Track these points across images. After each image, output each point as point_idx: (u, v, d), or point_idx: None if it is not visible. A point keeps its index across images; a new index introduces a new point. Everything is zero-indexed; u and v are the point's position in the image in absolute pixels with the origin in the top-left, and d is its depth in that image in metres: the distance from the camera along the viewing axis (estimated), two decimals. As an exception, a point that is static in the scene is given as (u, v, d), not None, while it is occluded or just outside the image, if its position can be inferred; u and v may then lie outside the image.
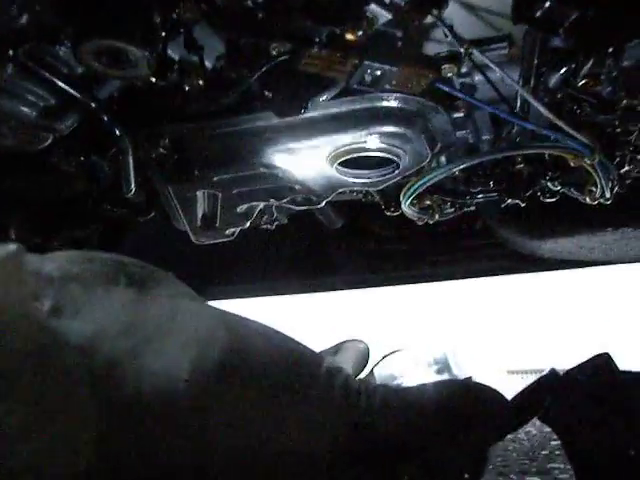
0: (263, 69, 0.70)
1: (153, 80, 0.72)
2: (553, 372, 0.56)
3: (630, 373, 0.54)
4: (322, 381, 0.45)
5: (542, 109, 0.73)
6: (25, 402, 0.34)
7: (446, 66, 0.73)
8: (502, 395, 0.53)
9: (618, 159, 0.90)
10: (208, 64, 0.75)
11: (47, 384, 0.35)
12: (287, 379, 0.43)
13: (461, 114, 0.80)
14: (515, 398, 0.57)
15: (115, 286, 0.40)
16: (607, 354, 0.55)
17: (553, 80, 0.75)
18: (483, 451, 0.53)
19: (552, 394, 0.54)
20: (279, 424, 0.42)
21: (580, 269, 1.67)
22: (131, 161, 0.90)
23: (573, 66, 0.73)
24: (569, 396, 0.53)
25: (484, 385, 0.53)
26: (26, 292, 0.37)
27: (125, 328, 0.39)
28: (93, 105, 0.74)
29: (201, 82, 0.76)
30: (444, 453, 0.51)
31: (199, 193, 0.97)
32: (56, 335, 0.36)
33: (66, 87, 0.69)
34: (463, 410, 0.51)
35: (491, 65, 0.72)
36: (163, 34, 0.66)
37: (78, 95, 0.70)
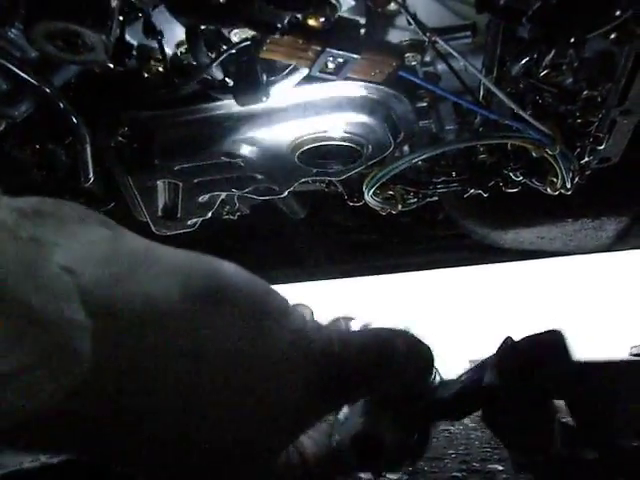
0: (224, 56, 0.69)
1: (111, 66, 0.70)
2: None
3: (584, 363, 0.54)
4: (296, 313, 0.48)
5: (505, 99, 0.73)
6: (14, 312, 0.34)
7: (409, 55, 0.72)
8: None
9: (579, 150, 0.91)
10: (168, 50, 0.73)
11: (36, 296, 0.35)
12: (265, 305, 0.46)
13: (424, 103, 0.80)
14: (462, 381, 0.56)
15: (88, 224, 0.41)
16: (559, 333, 0.54)
17: (516, 70, 0.75)
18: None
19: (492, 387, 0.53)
20: (261, 345, 0.44)
21: (542, 260, 1.69)
22: (89, 150, 0.87)
23: (535, 56, 0.73)
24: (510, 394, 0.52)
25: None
26: (2, 222, 0.37)
27: (107, 257, 0.40)
28: (48, 91, 0.71)
29: (160, 69, 0.75)
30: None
31: (159, 183, 0.95)
32: (39, 255, 0.37)
33: (18, 71, 0.66)
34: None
35: (454, 54, 0.71)
36: (120, 18, 0.64)
37: (31, 80, 0.68)
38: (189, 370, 0.41)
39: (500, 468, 0.74)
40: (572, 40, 0.68)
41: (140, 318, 0.39)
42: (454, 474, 0.69)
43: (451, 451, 0.90)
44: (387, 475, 0.62)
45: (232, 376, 0.43)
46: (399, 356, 0.51)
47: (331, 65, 0.69)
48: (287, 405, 0.45)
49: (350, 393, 0.50)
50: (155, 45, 0.71)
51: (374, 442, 0.53)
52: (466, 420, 1.66)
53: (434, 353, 0.55)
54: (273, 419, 0.45)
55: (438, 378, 0.58)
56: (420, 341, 0.54)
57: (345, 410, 0.56)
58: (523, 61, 0.72)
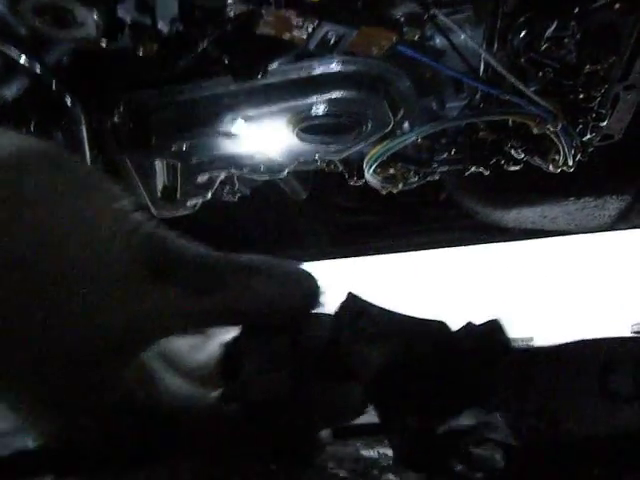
0: (219, 32, 0.68)
1: (103, 43, 0.69)
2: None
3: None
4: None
5: (506, 74, 0.72)
6: None
7: (408, 29, 0.71)
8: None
9: (581, 126, 0.90)
10: (162, 27, 0.72)
11: None
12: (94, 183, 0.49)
13: (424, 79, 0.78)
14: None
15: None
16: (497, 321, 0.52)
17: (517, 44, 0.73)
18: None
19: None
20: (73, 211, 0.46)
21: (545, 239, 1.69)
22: (84, 130, 0.86)
23: (537, 29, 0.72)
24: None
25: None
26: None
27: None
28: (40, 70, 0.71)
29: (155, 46, 0.73)
30: None
31: (157, 163, 0.94)
32: None
33: (8, 50, 0.65)
34: None
35: (454, 28, 0.70)
36: (112, -7, 0.63)
37: (22, 58, 0.67)
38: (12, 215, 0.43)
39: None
40: (574, 12, 0.66)
41: None
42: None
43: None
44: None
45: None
46: (258, 270, 0.50)
47: (328, 40, 0.68)
48: (109, 278, 0.45)
49: (184, 288, 0.48)
50: (149, 21, 0.69)
51: (231, 358, 0.52)
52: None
53: (320, 288, 0.53)
54: (95, 293, 0.44)
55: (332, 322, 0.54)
56: (303, 270, 0.53)
57: None
58: (524, 35, 0.71)
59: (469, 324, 0.51)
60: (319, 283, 0.53)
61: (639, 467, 0.44)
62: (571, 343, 0.50)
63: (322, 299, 0.53)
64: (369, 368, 0.49)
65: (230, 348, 0.54)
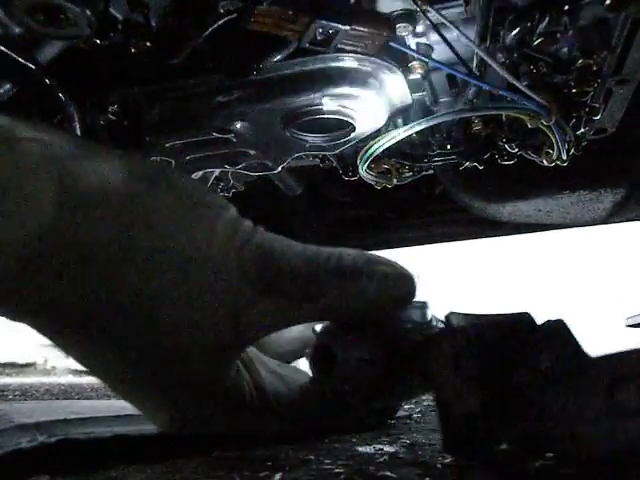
0: (211, 28, 0.67)
1: (96, 41, 0.69)
2: None
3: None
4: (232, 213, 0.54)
5: (498, 69, 0.72)
6: None
7: (401, 25, 0.71)
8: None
9: (574, 121, 0.90)
10: (154, 24, 0.72)
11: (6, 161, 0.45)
12: (202, 195, 0.53)
13: (417, 75, 0.78)
14: None
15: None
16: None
17: (509, 39, 0.73)
18: None
19: None
20: (186, 231, 0.49)
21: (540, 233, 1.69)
22: (78, 128, 0.86)
23: (529, 25, 0.72)
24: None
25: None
26: None
27: (73, 144, 0.50)
28: (32, 68, 0.70)
29: (147, 43, 0.73)
30: None
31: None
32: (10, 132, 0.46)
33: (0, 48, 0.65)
34: None
35: (447, 23, 0.70)
36: (104, -10, 0.63)
37: (14, 57, 0.66)
38: (129, 243, 0.47)
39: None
40: (566, 7, 0.66)
41: (96, 201, 0.46)
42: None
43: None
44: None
45: (166, 250, 0.48)
46: (359, 275, 0.53)
47: (321, 37, 0.68)
48: (223, 290, 0.49)
49: (291, 298, 0.52)
50: (141, 18, 0.69)
51: (326, 353, 0.54)
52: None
53: (416, 286, 0.55)
54: (209, 302, 0.49)
55: (429, 317, 0.57)
56: (400, 269, 0.55)
57: None
58: (517, 30, 0.71)
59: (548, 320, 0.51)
60: (414, 281, 0.56)
61: None
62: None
63: (414, 296, 0.56)
64: (460, 405, 0.49)
65: (323, 338, 0.56)
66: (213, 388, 0.53)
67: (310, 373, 0.58)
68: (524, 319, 0.52)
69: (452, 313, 0.55)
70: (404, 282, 0.55)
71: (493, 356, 0.50)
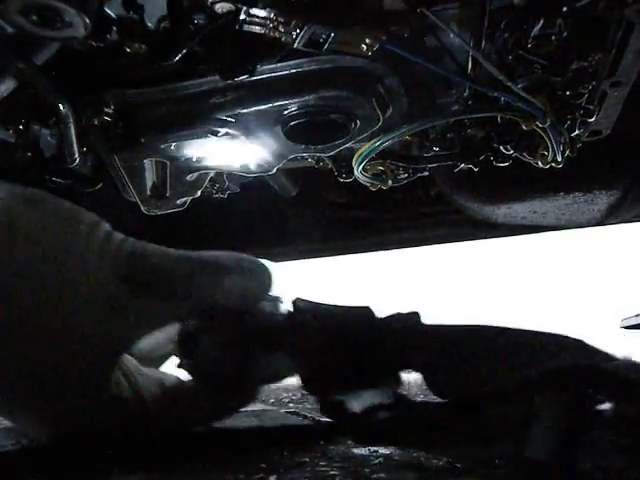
0: (206, 30, 0.67)
1: (91, 43, 0.69)
2: None
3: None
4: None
5: (493, 71, 0.72)
6: None
7: (396, 27, 0.71)
8: None
9: (569, 123, 0.90)
10: (150, 25, 0.72)
11: None
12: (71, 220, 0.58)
13: (412, 76, 0.78)
14: None
15: None
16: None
17: (504, 41, 0.74)
18: None
19: None
20: (64, 242, 0.53)
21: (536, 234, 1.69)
22: (73, 129, 0.86)
23: (524, 27, 0.72)
24: None
25: None
26: None
27: None
28: (28, 69, 0.70)
29: (143, 45, 0.73)
30: None
31: (147, 162, 0.94)
32: None
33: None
34: None
35: (443, 26, 0.70)
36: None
37: (8, 58, 0.66)
38: (11, 256, 0.50)
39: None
40: (561, 9, 0.66)
41: None
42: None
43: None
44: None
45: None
46: (229, 272, 0.60)
47: (316, 39, 0.68)
48: (98, 294, 0.53)
49: (165, 297, 0.56)
50: (136, 18, 0.69)
51: (189, 338, 0.60)
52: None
53: (271, 276, 0.64)
54: (85, 311, 0.52)
55: (281, 308, 0.65)
56: (257, 263, 0.64)
57: None
58: (512, 32, 0.71)
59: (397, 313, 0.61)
60: (272, 277, 0.65)
61: None
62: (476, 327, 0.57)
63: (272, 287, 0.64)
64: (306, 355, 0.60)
65: (188, 325, 0.62)
66: (92, 400, 0.55)
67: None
68: (364, 312, 0.62)
69: (299, 299, 0.65)
70: (265, 278, 0.64)
71: (335, 340, 0.59)
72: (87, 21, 0.61)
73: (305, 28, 0.65)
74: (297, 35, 0.66)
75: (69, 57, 0.77)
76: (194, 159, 0.92)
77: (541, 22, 0.69)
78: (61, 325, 0.50)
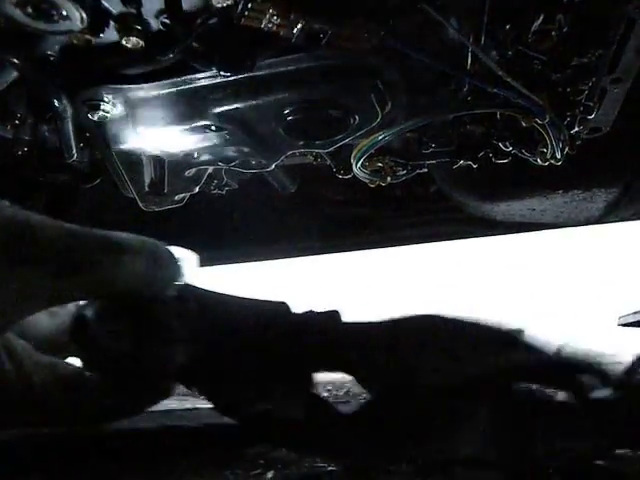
0: (205, 25, 0.67)
1: (88, 37, 0.68)
2: None
3: None
4: None
5: (493, 66, 0.72)
6: None
7: (396, 22, 0.70)
8: None
9: (568, 119, 0.90)
10: (148, 20, 0.71)
11: None
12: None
13: (411, 72, 0.78)
14: None
15: None
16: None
17: (504, 37, 0.73)
18: None
19: None
20: None
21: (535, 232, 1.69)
22: (70, 125, 0.86)
23: (524, 23, 0.71)
24: None
25: None
26: None
27: None
28: (24, 64, 0.70)
29: (141, 40, 0.73)
30: None
31: (144, 158, 0.94)
32: None
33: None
34: None
35: (442, 21, 0.70)
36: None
37: (4, 52, 0.66)
38: None
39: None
40: (561, 4, 0.66)
41: None
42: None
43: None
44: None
45: None
46: (129, 251, 0.54)
47: (314, 34, 0.67)
48: None
49: (49, 269, 0.51)
50: (134, 14, 0.69)
51: (79, 324, 0.57)
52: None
53: (180, 266, 0.60)
54: None
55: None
56: (166, 250, 0.59)
57: None
58: (511, 28, 0.71)
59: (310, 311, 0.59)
60: (181, 267, 0.60)
61: None
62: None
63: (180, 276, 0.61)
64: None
65: (81, 308, 0.59)
66: None
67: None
68: (273, 307, 0.60)
69: (187, 286, 0.61)
70: (173, 266, 0.59)
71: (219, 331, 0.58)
72: (84, 15, 0.61)
73: (303, 22, 0.64)
74: (296, 30, 0.66)
75: (67, 51, 0.77)
76: (192, 155, 0.92)
77: (541, 17, 0.68)
78: None
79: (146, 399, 0.63)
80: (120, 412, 0.63)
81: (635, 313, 1.56)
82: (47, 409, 0.58)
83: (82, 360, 0.59)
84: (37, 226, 0.50)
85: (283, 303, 0.60)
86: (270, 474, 0.56)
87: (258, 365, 0.57)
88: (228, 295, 0.63)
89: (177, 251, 0.60)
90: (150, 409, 0.63)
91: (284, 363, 0.57)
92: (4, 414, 0.56)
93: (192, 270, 0.63)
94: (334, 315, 0.58)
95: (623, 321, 1.57)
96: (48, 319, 0.62)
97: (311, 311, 0.58)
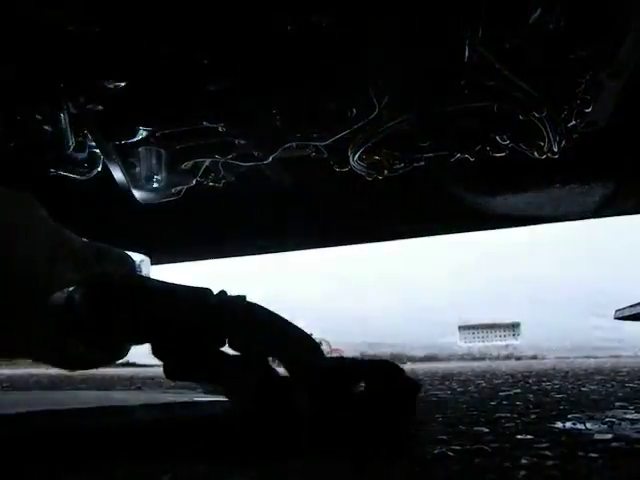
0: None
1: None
2: None
3: None
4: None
5: (492, 59, 0.72)
6: None
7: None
8: None
9: (565, 113, 0.90)
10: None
11: None
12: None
13: (409, 65, 0.78)
14: None
15: None
16: None
17: (502, 30, 0.73)
18: None
19: None
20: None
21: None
22: (67, 117, 0.86)
23: (521, 16, 0.71)
24: None
25: None
26: None
27: None
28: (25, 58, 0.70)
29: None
30: None
31: (142, 150, 0.94)
32: None
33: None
34: None
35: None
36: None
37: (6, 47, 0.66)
38: None
39: (486, 430, 0.74)
40: (558, -2, 0.66)
41: None
42: (440, 437, 0.69)
43: (438, 415, 0.91)
44: None
45: None
46: None
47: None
48: None
49: None
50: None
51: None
52: (454, 384, 1.67)
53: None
54: None
55: None
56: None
57: None
58: (509, 21, 0.71)
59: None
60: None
61: None
62: None
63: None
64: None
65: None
66: None
67: None
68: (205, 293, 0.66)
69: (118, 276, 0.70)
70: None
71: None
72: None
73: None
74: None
75: (65, 46, 0.77)
76: (188, 147, 0.92)
77: (539, 10, 0.68)
78: None
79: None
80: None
81: (631, 306, 1.57)
82: None
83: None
84: None
85: (206, 289, 0.67)
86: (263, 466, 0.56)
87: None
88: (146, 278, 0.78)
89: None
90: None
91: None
92: None
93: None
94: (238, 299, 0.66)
95: (620, 314, 1.58)
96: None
97: (222, 292, 0.66)
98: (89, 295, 0.64)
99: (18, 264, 0.66)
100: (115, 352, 0.73)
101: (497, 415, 0.90)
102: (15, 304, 0.65)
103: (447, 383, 1.76)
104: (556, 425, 0.78)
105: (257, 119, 0.84)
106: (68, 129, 0.83)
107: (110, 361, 0.77)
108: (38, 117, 0.89)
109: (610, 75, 0.86)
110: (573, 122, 0.92)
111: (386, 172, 0.97)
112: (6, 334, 0.67)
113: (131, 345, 0.71)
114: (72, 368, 0.80)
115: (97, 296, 0.64)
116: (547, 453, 0.59)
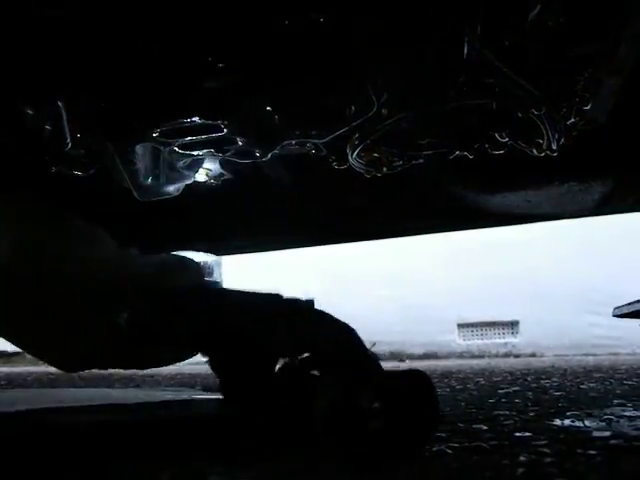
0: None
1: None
2: None
3: None
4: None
5: (490, 56, 0.72)
6: None
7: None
8: None
9: (564, 110, 0.90)
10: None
11: None
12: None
13: (408, 62, 0.78)
14: None
15: None
16: None
17: (500, 27, 0.73)
18: None
19: None
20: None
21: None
22: (65, 114, 0.85)
23: (521, 12, 0.71)
24: None
25: None
26: None
27: None
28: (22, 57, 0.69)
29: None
30: None
31: (139, 147, 0.93)
32: None
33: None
34: None
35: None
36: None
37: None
38: None
39: (485, 428, 0.74)
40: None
41: None
42: (438, 434, 0.69)
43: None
44: None
45: None
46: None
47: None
48: None
49: None
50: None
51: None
52: (453, 382, 1.68)
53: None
54: None
55: None
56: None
57: None
58: (508, 17, 0.71)
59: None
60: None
61: None
62: None
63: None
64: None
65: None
66: None
67: None
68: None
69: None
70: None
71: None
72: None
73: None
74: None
75: (64, 44, 0.76)
76: (187, 144, 0.91)
77: (538, 7, 0.68)
78: None
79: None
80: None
81: (630, 304, 1.57)
82: None
83: None
84: None
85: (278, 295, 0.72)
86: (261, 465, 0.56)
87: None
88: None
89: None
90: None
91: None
92: None
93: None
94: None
95: (618, 312, 1.58)
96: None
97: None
98: (148, 312, 0.69)
99: (98, 288, 0.72)
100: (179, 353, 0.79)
101: (496, 413, 0.91)
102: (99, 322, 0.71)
103: (446, 381, 1.76)
104: (555, 422, 0.78)
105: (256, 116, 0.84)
106: (66, 125, 0.83)
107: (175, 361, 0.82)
108: (36, 114, 0.88)
109: (609, 72, 0.86)
110: (572, 120, 0.92)
111: (385, 170, 0.96)
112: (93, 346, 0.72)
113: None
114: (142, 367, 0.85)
115: (153, 313, 0.69)
116: (546, 450, 0.59)
